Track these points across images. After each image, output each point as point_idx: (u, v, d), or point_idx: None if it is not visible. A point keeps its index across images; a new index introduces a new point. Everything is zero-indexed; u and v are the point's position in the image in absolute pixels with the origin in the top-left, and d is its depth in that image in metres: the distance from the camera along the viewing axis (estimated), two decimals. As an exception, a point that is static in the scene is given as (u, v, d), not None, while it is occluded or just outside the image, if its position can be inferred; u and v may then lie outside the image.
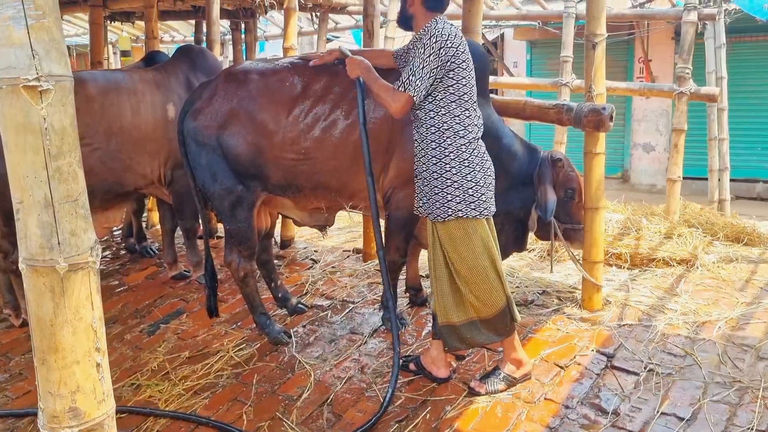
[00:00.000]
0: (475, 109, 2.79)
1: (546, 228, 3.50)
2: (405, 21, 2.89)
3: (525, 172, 3.42)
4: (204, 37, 6.51)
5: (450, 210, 2.73)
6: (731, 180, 7.34)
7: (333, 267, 4.70)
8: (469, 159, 2.73)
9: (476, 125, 2.78)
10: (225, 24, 9.14)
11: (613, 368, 3.04)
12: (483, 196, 2.74)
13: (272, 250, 4.08)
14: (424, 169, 2.80)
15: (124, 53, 10.04)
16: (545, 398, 2.85)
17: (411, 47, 2.91)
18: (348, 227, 5.59)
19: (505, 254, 3.67)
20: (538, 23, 9.60)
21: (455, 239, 2.76)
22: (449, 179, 2.73)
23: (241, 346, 3.60)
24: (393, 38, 7.22)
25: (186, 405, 3.08)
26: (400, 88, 2.70)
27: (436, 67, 2.66)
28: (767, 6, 7.51)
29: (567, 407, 2.77)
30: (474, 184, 2.73)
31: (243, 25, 8.14)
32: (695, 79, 5.89)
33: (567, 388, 2.90)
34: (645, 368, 3.00)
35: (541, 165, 3.41)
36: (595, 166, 3.58)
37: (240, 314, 4.04)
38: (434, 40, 2.66)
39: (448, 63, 2.67)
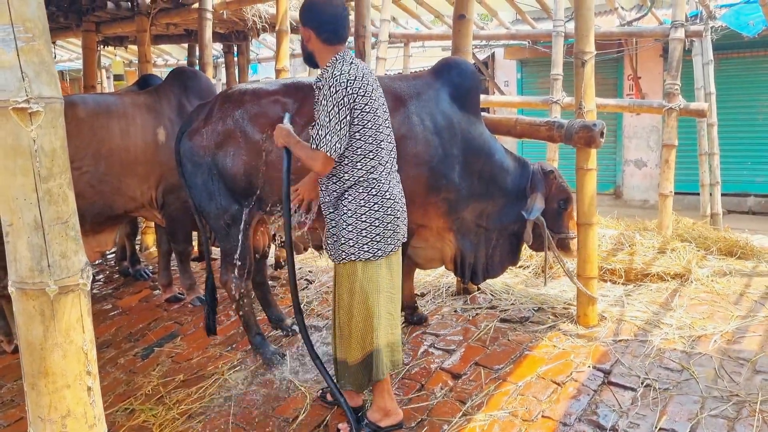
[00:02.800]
0: (381, 148, 2.64)
1: (540, 240, 3.52)
2: (308, 58, 2.75)
3: (518, 186, 3.46)
4: (197, 60, 6.55)
5: (344, 254, 2.67)
6: (722, 194, 7.38)
7: (328, 287, 4.68)
8: (366, 198, 2.62)
9: (380, 164, 2.64)
10: (218, 47, 9.20)
11: (610, 384, 3.03)
12: (378, 236, 2.64)
13: (267, 270, 4.06)
14: (327, 213, 2.75)
15: (117, 77, 10.08)
16: (543, 416, 2.83)
17: (316, 90, 2.70)
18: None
19: (501, 268, 3.68)
20: (528, 42, 9.70)
21: (341, 280, 2.74)
22: (345, 221, 2.65)
23: (236, 369, 3.57)
24: (385, 59, 7.29)
25: (181, 429, 3.04)
26: (313, 146, 2.56)
27: (345, 117, 2.53)
28: (753, 23, 7.61)
29: (565, 425, 2.75)
30: (368, 225, 2.63)
31: (235, 48, 8.20)
32: (684, 95, 5.95)
33: (564, 405, 2.88)
34: (642, 383, 2.99)
35: (533, 177, 3.46)
36: (587, 182, 3.59)
37: (234, 336, 4.01)
38: (335, 90, 2.51)
39: (353, 111, 2.55)
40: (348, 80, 2.52)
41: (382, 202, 2.65)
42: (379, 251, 2.67)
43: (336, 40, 2.64)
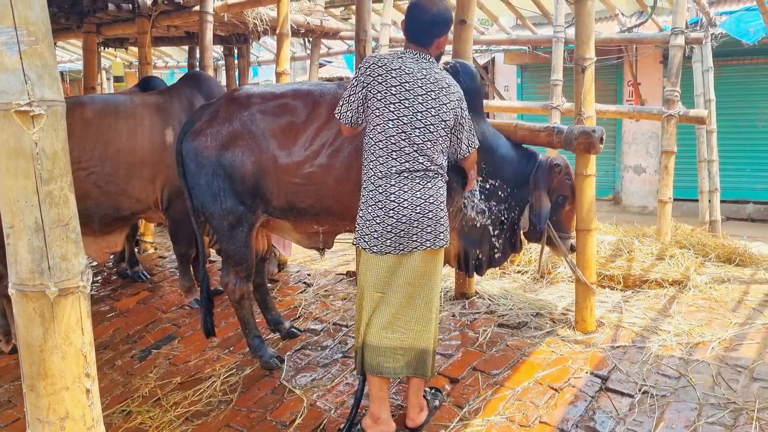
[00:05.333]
0: (390, 142, 2.64)
1: (536, 230, 3.49)
2: None
3: (522, 175, 3.43)
4: (197, 63, 6.56)
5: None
6: (721, 201, 7.40)
7: (326, 290, 4.69)
8: (367, 189, 2.70)
9: (390, 157, 2.64)
10: (218, 49, 9.21)
11: (607, 390, 3.03)
12: (367, 229, 2.67)
13: (267, 273, 4.06)
14: None
15: (118, 79, 10.09)
16: (540, 421, 2.83)
17: None
18: (341, 250, 5.59)
19: (504, 257, 3.63)
20: (528, 48, 9.72)
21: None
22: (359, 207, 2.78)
23: (234, 371, 3.57)
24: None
25: (177, 432, 3.05)
26: None
27: (357, 92, 2.71)
28: (753, 30, 7.63)
29: (562, 430, 2.74)
30: (362, 215, 2.71)
31: (236, 51, 8.21)
32: (684, 102, 5.96)
33: (562, 410, 2.88)
34: (639, 390, 2.99)
35: (538, 169, 3.42)
36: (587, 187, 3.60)
37: (232, 339, 4.01)
38: (358, 66, 2.78)
39: (365, 90, 2.70)
40: (368, 62, 2.72)
41: (384, 201, 2.65)
42: (365, 244, 2.69)
43: (408, 39, 2.80)
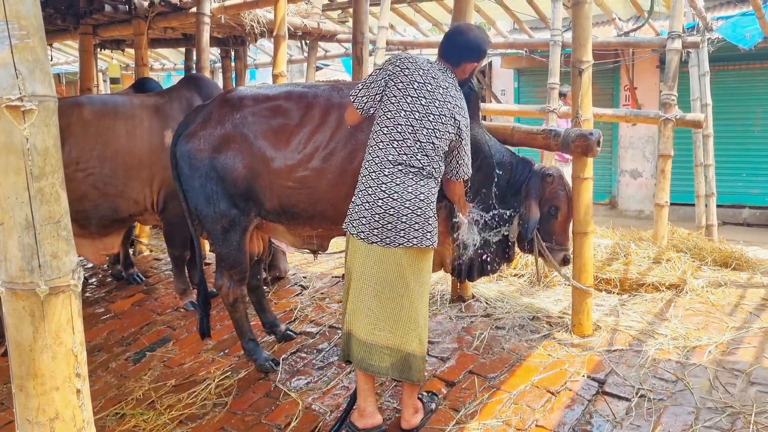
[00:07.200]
0: (396, 131, 2.68)
1: (525, 241, 3.47)
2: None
3: (514, 184, 3.41)
4: (194, 65, 6.54)
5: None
6: (718, 206, 7.41)
7: (322, 293, 4.66)
8: (362, 175, 2.75)
9: (390, 146, 2.68)
10: (215, 51, 9.21)
11: (604, 394, 3.01)
12: (356, 214, 2.71)
13: (263, 275, 4.04)
14: None
15: (114, 81, 10.06)
16: (536, 425, 2.81)
17: None
18: (337, 253, 5.56)
19: (497, 266, 3.61)
20: (525, 51, 9.73)
21: None
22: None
23: (228, 374, 3.55)
24: (382, 66, 7.28)
25: (171, 435, 3.02)
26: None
27: (378, 80, 2.76)
28: (749, 35, 7.65)
29: (559, 434, 2.73)
30: (354, 200, 2.76)
31: (233, 53, 8.20)
32: (680, 106, 5.97)
33: (558, 414, 2.87)
34: (636, 394, 2.97)
35: (531, 178, 3.40)
36: (584, 190, 3.59)
37: (227, 341, 3.99)
38: (388, 58, 2.83)
39: (387, 79, 2.75)
40: (396, 57, 2.78)
41: (374, 190, 2.67)
42: (352, 228, 2.72)
43: (439, 55, 2.88)
